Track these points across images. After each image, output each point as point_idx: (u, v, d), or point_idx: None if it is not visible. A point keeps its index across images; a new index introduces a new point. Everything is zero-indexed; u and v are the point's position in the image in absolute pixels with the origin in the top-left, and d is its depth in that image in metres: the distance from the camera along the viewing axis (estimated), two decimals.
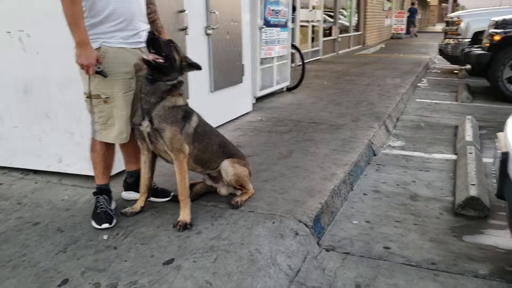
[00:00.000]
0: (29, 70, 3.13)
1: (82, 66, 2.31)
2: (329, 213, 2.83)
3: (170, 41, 2.45)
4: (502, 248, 2.52)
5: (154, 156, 2.65)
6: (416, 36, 24.15)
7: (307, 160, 3.58)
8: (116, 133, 2.49)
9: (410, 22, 23.90)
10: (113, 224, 2.47)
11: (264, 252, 2.21)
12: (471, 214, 2.95)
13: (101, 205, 2.52)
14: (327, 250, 2.47)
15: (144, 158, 2.62)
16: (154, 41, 2.35)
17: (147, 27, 2.58)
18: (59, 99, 3.08)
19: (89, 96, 2.45)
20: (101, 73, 2.36)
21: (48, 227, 2.50)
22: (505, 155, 2.10)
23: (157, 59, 2.36)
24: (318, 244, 2.52)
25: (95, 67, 2.32)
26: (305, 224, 2.52)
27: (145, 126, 2.43)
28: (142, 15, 2.53)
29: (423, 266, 2.33)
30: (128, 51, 2.46)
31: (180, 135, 2.45)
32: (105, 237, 2.35)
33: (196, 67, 2.57)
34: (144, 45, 2.47)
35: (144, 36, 2.47)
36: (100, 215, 2.48)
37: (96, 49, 2.37)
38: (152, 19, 2.70)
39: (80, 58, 2.29)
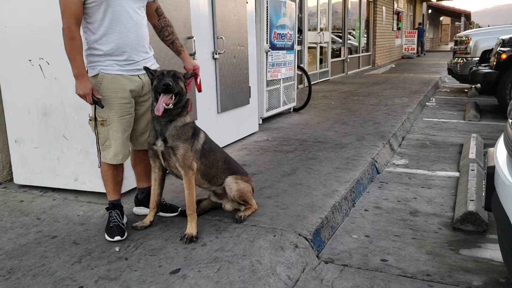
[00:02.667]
0: (48, 94, 3.36)
1: (80, 96, 2.54)
2: (329, 227, 2.96)
3: (174, 74, 2.57)
4: (497, 261, 2.60)
5: (163, 174, 2.82)
6: (424, 54, 24.49)
7: (310, 178, 3.72)
8: (112, 154, 2.68)
9: (419, 41, 24.42)
10: (124, 237, 2.63)
11: (264, 263, 2.35)
12: (469, 228, 3.03)
13: (113, 219, 2.69)
14: (326, 262, 2.60)
15: (155, 176, 2.79)
16: (168, 91, 2.50)
17: (148, 55, 2.75)
18: (75, 121, 3.30)
19: (91, 119, 2.67)
20: (97, 103, 2.56)
21: (64, 240, 2.67)
22: (491, 168, 2.21)
23: (168, 103, 2.51)
24: (317, 256, 2.65)
25: (93, 97, 2.54)
26: (304, 237, 2.66)
27: (159, 145, 2.61)
28: (142, 46, 2.68)
29: (418, 278, 2.43)
30: (125, 77, 2.64)
31: (190, 152, 2.62)
32: (117, 249, 2.51)
33: (195, 74, 2.82)
34: (143, 71, 2.67)
35: (142, 64, 2.66)
36: (113, 229, 2.65)
37: (94, 75, 2.59)
38: (170, 40, 2.89)
39: (78, 89, 2.52)
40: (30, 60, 3.35)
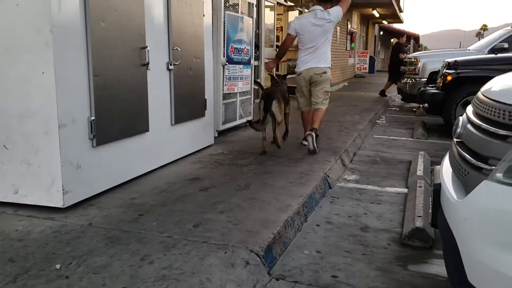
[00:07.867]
0: None
1: None
2: (281, 243, 2.93)
3: None
4: (442, 276, 2.66)
5: None
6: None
7: (264, 192, 3.69)
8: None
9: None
10: None
11: (214, 281, 2.28)
12: (416, 244, 3.10)
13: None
14: (277, 279, 2.56)
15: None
16: None
17: None
18: (18, 130, 3.11)
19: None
20: None
21: None
22: (437, 186, 2.26)
23: None
24: (269, 273, 2.61)
25: None
26: (256, 253, 2.61)
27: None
28: None
29: None
30: None
31: None
32: (58, 266, 2.36)
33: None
34: None
35: None
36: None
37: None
38: None
39: None
40: None
